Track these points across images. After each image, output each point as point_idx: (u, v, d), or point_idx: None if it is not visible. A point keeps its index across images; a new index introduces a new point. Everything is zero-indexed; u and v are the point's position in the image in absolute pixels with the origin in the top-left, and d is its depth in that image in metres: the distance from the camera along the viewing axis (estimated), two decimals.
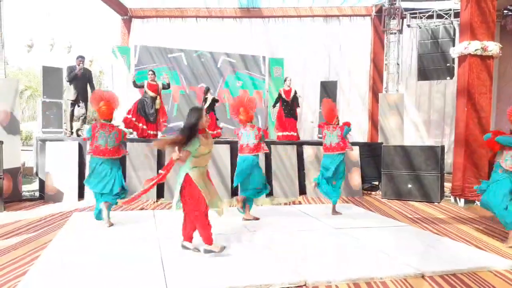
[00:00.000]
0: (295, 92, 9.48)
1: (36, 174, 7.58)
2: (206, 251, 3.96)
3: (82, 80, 8.34)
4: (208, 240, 3.97)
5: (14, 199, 6.78)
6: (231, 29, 12.62)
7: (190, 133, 3.87)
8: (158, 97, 8.41)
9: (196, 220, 3.99)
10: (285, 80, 9.57)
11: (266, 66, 11.97)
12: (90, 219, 5.36)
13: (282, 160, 8.09)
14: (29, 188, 7.70)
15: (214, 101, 9.57)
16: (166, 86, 8.57)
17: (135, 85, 8.44)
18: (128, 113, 8.23)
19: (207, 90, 9.68)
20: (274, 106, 9.81)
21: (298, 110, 9.72)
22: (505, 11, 11.49)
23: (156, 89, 8.37)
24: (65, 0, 21.54)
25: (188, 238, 4.20)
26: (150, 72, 8.52)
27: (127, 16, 12.35)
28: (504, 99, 11.83)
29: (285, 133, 9.19)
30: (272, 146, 8.10)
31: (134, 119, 8.18)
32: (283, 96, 9.29)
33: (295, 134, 9.33)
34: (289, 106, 9.32)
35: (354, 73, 12.61)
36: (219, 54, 11.77)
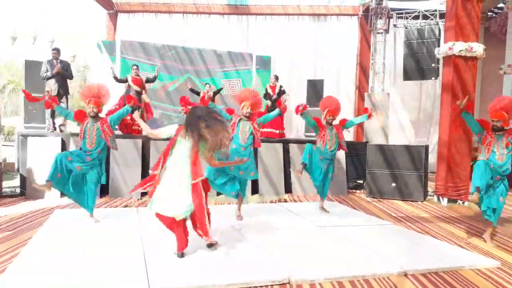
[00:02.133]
0: (280, 87, 9.54)
1: (18, 170, 7.42)
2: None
3: (61, 73, 8.19)
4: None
5: None
6: (219, 26, 12.57)
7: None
8: (144, 91, 8.33)
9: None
10: (276, 78, 9.68)
11: (253, 63, 11.94)
12: (72, 217, 5.28)
13: (268, 158, 8.07)
14: (10, 184, 7.55)
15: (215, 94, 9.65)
16: (152, 79, 8.50)
17: (117, 80, 8.33)
18: (115, 109, 8.14)
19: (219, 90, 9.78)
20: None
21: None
22: (489, 13, 11.69)
23: (140, 83, 8.29)
24: None
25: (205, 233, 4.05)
26: (134, 67, 8.43)
27: (113, 11, 12.20)
28: (487, 100, 11.95)
29: (269, 130, 9.19)
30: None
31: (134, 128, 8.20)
32: (269, 91, 9.35)
33: (279, 131, 9.33)
34: (274, 102, 9.38)
35: (341, 72, 12.66)
36: (206, 51, 11.70)
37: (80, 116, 5.14)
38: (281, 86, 9.55)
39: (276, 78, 9.82)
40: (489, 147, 4.74)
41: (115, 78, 8.29)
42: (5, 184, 7.24)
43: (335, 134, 6.06)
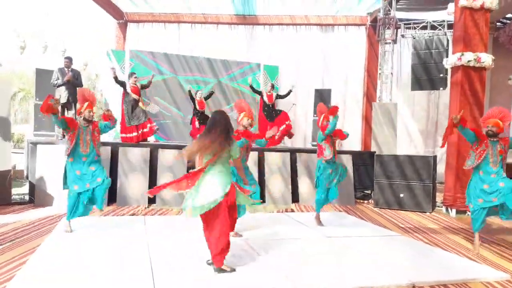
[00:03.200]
0: (289, 91, 9.82)
1: (27, 177, 7.49)
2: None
3: (71, 82, 8.30)
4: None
5: (3, 203, 6.69)
6: (227, 36, 12.66)
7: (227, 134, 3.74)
8: (140, 99, 8.45)
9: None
10: (272, 86, 9.80)
11: (261, 73, 12.01)
12: (80, 224, 5.30)
13: (275, 167, 8.07)
14: (19, 191, 7.61)
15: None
16: (146, 85, 8.62)
17: (116, 81, 8.41)
18: (122, 131, 8.40)
19: (210, 94, 9.80)
20: (252, 90, 9.81)
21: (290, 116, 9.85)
22: (498, 23, 11.66)
23: (138, 91, 8.41)
24: (60, 2, 21.49)
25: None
26: (134, 75, 8.56)
27: (123, 20, 12.34)
28: None
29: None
30: (265, 153, 8.09)
31: (128, 135, 8.29)
32: (265, 98, 9.58)
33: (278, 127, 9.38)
34: (270, 109, 9.59)
35: (348, 81, 12.68)
36: (214, 60, 11.79)
37: (72, 124, 5.03)
38: (290, 91, 9.69)
39: (272, 87, 9.99)
40: (481, 154, 4.80)
41: (115, 78, 8.35)
42: (14, 191, 7.30)
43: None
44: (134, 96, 8.32)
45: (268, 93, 9.69)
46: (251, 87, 9.71)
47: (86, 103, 5.09)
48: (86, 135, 5.06)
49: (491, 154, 4.78)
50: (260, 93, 9.79)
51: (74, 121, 5.15)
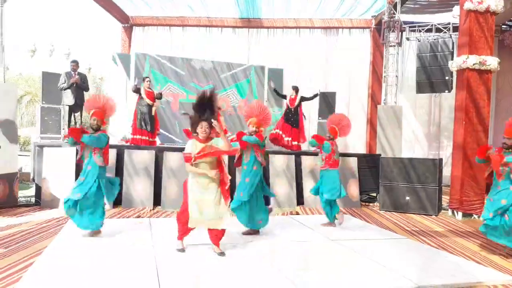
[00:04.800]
0: (315, 95, 9.71)
1: (33, 179, 7.54)
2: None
3: (79, 85, 8.36)
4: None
5: (9, 205, 6.74)
6: (231, 39, 12.71)
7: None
8: (154, 104, 8.49)
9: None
10: (275, 90, 9.74)
11: (265, 76, 12.02)
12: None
13: (280, 170, 8.06)
14: (26, 193, 7.66)
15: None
16: (159, 96, 8.68)
17: (134, 91, 8.47)
18: (133, 133, 8.45)
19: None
20: (277, 94, 9.84)
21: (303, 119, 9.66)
22: (503, 26, 11.63)
23: (152, 96, 8.45)
24: (66, 6, 21.69)
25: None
26: (147, 79, 8.58)
27: (128, 24, 12.43)
28: (501, 113, 11.89)
29: (292, 142, 9.18)
30: (270, 155, 8.09)
31: (138, 137, 8.36)
32: (288, 102, 9.40)
33: (297, 143, 9.30)
34: (291, 114, 9.33)
35: (353, 84, 12.67)
36: (219, 64, 11.81)
37: (75, 134, 4.91)
38: (316, 94, 9.73)
39: (295, 89, 9.52)
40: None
41: (135, 87, 8.46)
42: (20, 193, 7.35)
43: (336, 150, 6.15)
44: (149, 101, 8.38)
45: (292, 96, 9.36)
46: (275, 90, 9.65)
47: (92, 111, 5.01)
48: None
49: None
50: (285, 96, 9.58)
51: (75, 130, 5.00)
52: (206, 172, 4.17)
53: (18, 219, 6.03)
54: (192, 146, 4.19)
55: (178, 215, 4.45)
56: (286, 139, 9.19)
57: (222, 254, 4.30)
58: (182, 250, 4.39)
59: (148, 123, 8.41)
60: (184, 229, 4.38)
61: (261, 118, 5.44)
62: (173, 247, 4.41)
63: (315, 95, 9.74)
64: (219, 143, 4.25)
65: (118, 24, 12.52)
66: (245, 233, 5.35)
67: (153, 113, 8.50)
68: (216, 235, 4.35)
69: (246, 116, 5.57)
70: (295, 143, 9.28)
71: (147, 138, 8.43)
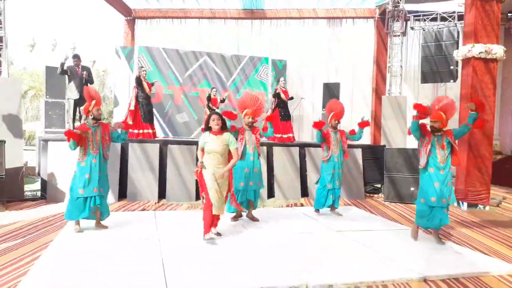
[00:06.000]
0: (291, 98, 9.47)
1: (38, 174, 7.58)
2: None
3: (82, 78, 8.34)
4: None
5: (16, 199, 6.78)
6: (234, 31, 12.64)
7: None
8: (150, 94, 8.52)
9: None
10: (278, 81, 9.41)
11: (269, 67, 11.98)
12: (92, 220, 5.34)
13: (284, 162, 8.06)
14: (31, 188, 7.70)
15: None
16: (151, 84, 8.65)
17: (140, 82, 8.45)
18: (138, 127, 8.38)
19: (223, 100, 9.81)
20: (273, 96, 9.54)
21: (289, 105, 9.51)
22: (509, 14, 11.47)
23: (150, 87, 8.45)
24: (68, 0, 21.63)
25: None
26: (143, 69, 8.57)
27: (131, 17, 12.38)
28: (507, 102, 11.80)
29: (282, 136, 9.11)
30: (274, 148, 8.09)
31: (140, 131, 8.34)
32: (282, 95, 9.19)
33: (292, 135, 9.28)
34: (285, 107, 9.24)
35: (357, 75, 12.59)
36: (223, 56, 11.79)
37: (76, 137, 4.86)
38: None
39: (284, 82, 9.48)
40: (428, 149, 4.73)
41: (139, 78, 8.44)
42: (26, 187, 7.39)
43: (339, 139, 6.10)
44: (147, 92, 8.37)
45: (284, 89, 9.21)
46: (274, 95, 9.41)
47: (94, 102, 5.02)
48: (95, 136, 5.01)
49: (438, 149, 4.79)
50: (278, 95, 9.19)
51: (75, 134, 4.89)
52: (219, 174, 4.50)
53: (24, 212, 6.07)
54: (204, 138, 4.61)
55: (205, 211, 4.55)
56: (278, 135, 9.09)
57: (219, 234, 4.72)
58: (215, 236, 4.60)
59: (149, 115, 8.40)
60: (210, 221, 4.54)
61: (255, 108, 5.62)
62: (179, 239, 4.42)
63: (291, 98, 9.43)
64: (230, 142, 4.61)
65: (120, 17, 12.48)
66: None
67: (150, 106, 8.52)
68: (218, 219, 4.76)
69: (240, 108, 5.69)
70: (290, 135, 9.21)
71: (149, 131, 8.41)
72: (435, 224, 4.73)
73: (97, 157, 4.99)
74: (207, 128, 4.66)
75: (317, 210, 6.34)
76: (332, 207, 6.26)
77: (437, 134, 4.74)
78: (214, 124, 4.58)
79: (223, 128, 4.65)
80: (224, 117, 4.78)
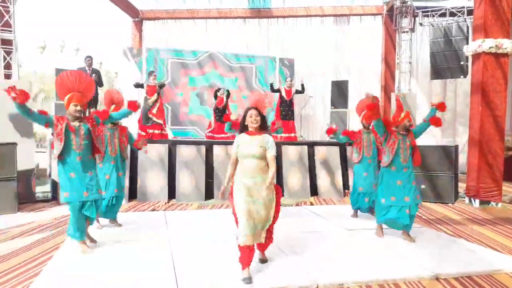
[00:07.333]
0: (302, 85, 9.45)
1: (49, 175, 7.66)
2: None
3: (95, 81, 8.41)
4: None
5: (28, 201, 6.86)
6: (241, 30, 12.66)
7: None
8: (159, 98, 8.44)
9: None
10: (285, 80, 9.44)
11: (277, 66, 11.97)
12: (103, 221, 5.39)
13: (292, 161, 8.04)
14: (43, 189, 7.78)
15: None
16: (162, 85, 8.60)
17: (136, 86, 8.48)
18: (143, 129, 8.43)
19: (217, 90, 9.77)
20: (272, 89, 9.48)
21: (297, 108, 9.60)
22: None
23: (155, 91, 8.39)
24: (75, 2, 21.81)
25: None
26: (153, 73, 8.57)
27: (138, 18, 12.45)
28: None
29: (285, 135, 9.09)
30: (283, 147, 8.07)
31: (150, 131, 8.38)
32: (283, 94, 9.19)
33: (294, 135, 9.26)
34: (287, 106, 9.24)
35: (365, 72, 12.51)
36: (230, 55, 11.80)
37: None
38: (296, 91, 9.41)
39: (291, 81, 9.52)
40: (394, 148, 4.61)
41: (138, 84, 8.48)
42: (38, 189, 7.47)
43: (373, 140, 5.81)
44: (151, 98, 8.35)
45: (287, 88, 9.28)
46: (271, 86, 9.49)
47: (113, 106, 5.10)
48: (113, 138, 5.11)
49: (402, 148, 4.64)
50: (278, 90, 9.34)
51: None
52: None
53: (36, 214, 6.14)
54: (237, 141, 3.56)
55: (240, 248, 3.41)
56: (282, 135, 9.07)
57: (263, 261, 3.84)
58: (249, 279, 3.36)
59: (150, 117, 8.40)
60: (246, 258, 3.40)
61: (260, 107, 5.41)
62: (189, 239, 4.42)
63: (302, 86, 9.45)
64: (270, 146, 3.49)
65: (128, 18, 12.55)
66: None
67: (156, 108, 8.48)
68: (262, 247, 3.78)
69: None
70: (292, 135, 9.20)
71: (160, 131, 8.44)
72: (397, 224, 4.66)
73: (116, 158, 5.14)
74: (243, 128, 3.59)
75: (355, 212, 6.06)
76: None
77: (402, 133, 4.65)
78: (252, 121, 3.50)
79: (263, 127, 3.57)
80: (263, 114, 3.62)
